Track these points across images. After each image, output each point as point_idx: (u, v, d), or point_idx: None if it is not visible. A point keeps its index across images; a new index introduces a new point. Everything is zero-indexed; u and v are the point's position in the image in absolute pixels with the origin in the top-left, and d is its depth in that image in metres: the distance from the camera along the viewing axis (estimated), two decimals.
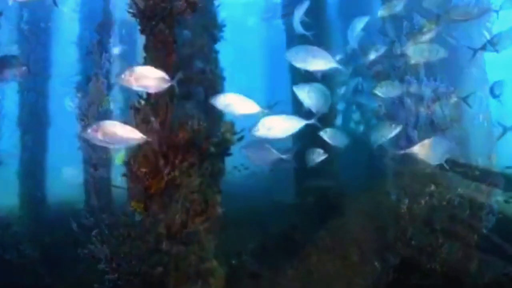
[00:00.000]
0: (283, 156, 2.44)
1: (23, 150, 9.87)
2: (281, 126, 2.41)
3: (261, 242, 5.85)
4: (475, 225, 3.60)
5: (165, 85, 2.22)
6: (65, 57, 10.12)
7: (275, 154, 2.40)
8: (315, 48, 2.80)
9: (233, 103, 2.34)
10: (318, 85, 3.29)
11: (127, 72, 2.24)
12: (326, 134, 3.59)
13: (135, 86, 2.24)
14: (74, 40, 9.62)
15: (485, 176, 4.71)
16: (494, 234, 3.51)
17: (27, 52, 8.95)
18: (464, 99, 4.24)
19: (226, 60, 3.15)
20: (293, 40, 6.26)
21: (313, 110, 3.28)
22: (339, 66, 3.06)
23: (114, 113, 9.65)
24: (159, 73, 2.23)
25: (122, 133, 2.15)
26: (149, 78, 2.22)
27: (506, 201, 4.74)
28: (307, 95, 3.21)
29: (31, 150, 9.96)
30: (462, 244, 3.78)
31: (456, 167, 5.10)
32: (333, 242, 3.23)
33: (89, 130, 2.21)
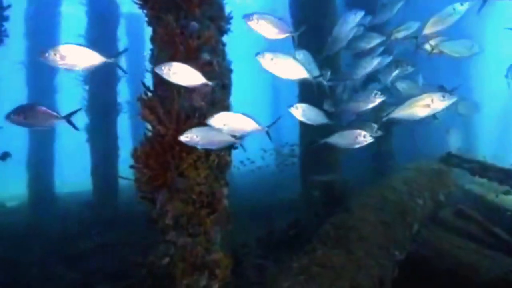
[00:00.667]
0: (234, 140, 2.33)
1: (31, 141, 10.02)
2: (236, 124, 2.32)
3: (266, 235, 5.89)
4: (482, 221, 3.57)
5: (96, 63, 2.18)
6: None
7: (224, 136, 2.24)
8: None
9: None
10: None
11: (51, 50, 2.16)
12: (297, 111, 3.27)
13: (60, 65, 2.17)
14: (81, 33, 9.69)
15: (492, 172, 4.67)
16: (501, 230, 3.47)
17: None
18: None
19: (234, 53, 3.13)
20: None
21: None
22: (309, 76, 3.04)
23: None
24: (86, 51, 2.18)
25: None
26: (76, 56, 2.15)
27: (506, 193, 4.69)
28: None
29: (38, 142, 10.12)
30: (469, 240, 3.76)
31: (463, 163, 5.07)
32: (338, 237, 3.23)
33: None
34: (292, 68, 2.74)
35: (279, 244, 5.64)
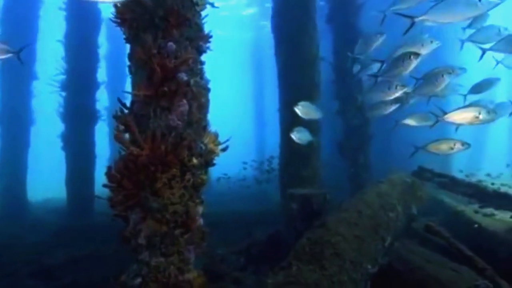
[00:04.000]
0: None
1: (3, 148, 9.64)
2: None
3: (246, 247, 5.90)
4: (448, 237, 3.72)
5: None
6: (50, 55, 9.94)
7: None
8: None
9: None
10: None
11: None
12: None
13: None
14: (60, 38, 9.49)
15: (460, 186, 4.89)
16: (464, 245, 3.63)
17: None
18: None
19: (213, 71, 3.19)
20: (281, 46, 6.36)
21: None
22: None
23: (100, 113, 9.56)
24: None
25: None
26: None
27: (475, 211, 4.93)
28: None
29: (11, 148, 9.75)
30: (437, 252, 3.91)
31: (434, 177, 5.28)
32: (313, 252, 3.28)
33: None
34: None
35: (259, 256, 5.67)
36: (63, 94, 9.06)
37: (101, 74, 11.36)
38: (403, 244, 4.45)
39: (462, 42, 4.90)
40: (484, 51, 4.44)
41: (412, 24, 3.56)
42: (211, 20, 3.00)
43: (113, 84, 12.56)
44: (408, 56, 4.02)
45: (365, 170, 7.46)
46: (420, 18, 3.49)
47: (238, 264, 5.30)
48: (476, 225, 5.04)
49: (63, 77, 9.21)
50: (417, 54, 3.98)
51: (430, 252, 4.25)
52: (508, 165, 9.12)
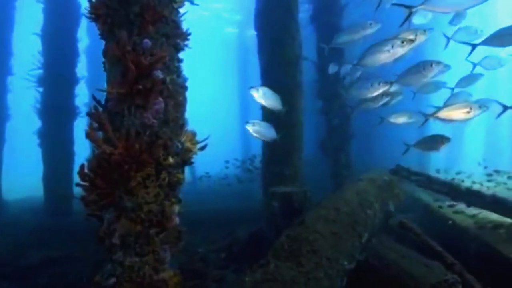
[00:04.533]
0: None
1: None
2: None
3: (228, 245, 5.91)
4: (420, 233, 3.84)
5: None
6: (27, 49, 9.60)
7: None
8: None
9: None
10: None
11: None
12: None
13: None
14: (37, 31, 9.16)
15: (435, 184, 5.05)
16: (438, 241, 3.76)
17: None
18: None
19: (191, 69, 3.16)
20: (264, 45, 6.37)
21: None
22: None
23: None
24: None
25: None
26: None
27: (449, 206, 5.10)
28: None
29: None
30: (414, 248, 4.03)
31: (411, 175, 5.43)
32: (291, 249, 3.33)
33: None
34: None
35: (241, 255, 5.68)
36: (40, 89, 8.77)
37: (82, 69, 11.07)
38: (380, 241, 4.55)
39: (448, 40, 5.04)
40: (474, 47, 4.49)
41: (409, 14, 3.50)
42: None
43: (94, 79, 12.25)
44: (429, 64, 4.00)
45: (346, 168, 7.59)
46: (418, 7, 3.42)
47: (220, 262, 5.30)
48: (450, 222, 5.22)
49: (40, 71, 8.91)
50: (439, 64, 3.97)
51: (406, 248, 4.38)
52: (479, 164, 9.48)
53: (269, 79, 6.29)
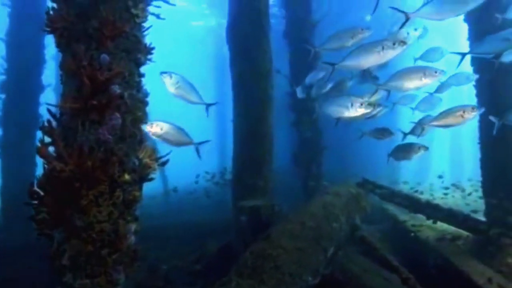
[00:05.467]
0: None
1: None
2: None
3: (196, 260, 5.78)
4: (379, 248, 3.94)
5: None
6: None
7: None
8: None
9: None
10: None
11: None
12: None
13: None
14: (1, 36, 8.76)
15: (397, 198, 5.24)
16: (392, 256, 3.87)
17: None
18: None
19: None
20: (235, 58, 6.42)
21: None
22: None
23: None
24: None
25: None
26: None
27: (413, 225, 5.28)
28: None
29: None
30: (373, 262, 4.13)
31: (376, 188, 5.60)
32: (254, 266, 3.31)
33: None
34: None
35: (209, 270, 5.57)
36: (2, 96, 8.34)
37: (50, 76, 10.64)
38: (346, 254, 4.63)
39: (415, 60, 5.18)
40: (463, 56, 4.44)
41: (407, 20, 3.43)
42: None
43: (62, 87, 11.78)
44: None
45: (317, 180, 7.70)
46: (415, 14, 3.39)
47: (185, 278, 5.17)
48: (412, 234, 5.40)
49: (2, 77, 8.49)
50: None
51: (369, 261, 4.48)
52: (439, 177, 9.91)
53: (240, 92, 6.33)
